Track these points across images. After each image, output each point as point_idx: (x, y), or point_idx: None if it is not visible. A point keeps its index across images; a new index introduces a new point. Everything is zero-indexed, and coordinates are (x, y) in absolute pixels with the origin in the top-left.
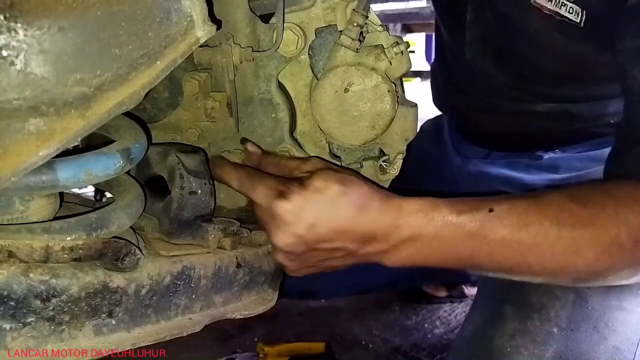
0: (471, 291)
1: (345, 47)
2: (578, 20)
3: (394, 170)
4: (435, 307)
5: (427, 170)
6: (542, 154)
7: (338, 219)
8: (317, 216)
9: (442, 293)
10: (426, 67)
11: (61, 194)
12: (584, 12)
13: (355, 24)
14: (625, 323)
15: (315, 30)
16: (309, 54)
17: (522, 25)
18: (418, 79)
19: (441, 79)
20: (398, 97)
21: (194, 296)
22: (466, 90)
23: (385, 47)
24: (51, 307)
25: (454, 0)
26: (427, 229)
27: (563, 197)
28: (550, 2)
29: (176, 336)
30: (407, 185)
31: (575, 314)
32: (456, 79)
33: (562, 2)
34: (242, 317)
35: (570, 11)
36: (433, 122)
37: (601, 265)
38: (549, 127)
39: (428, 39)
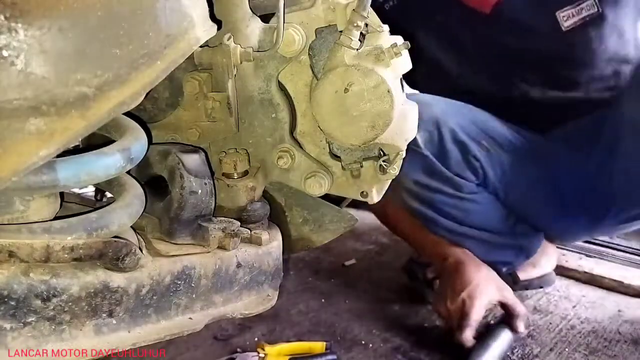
0: None
1: (345, 47)
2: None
3: (394, 170)
4: None
5: None
6: None
7: None
8: None
9: None
10: None
11: (61, 194)
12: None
13: (355, 24)
14: None
15: (316, 30)
16: (309, 54)
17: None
18: None
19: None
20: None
21: (194, 296)
22: None
23: (385, 47)
24: (52, 307)
25: None
26: None
27: None
28: (573, 18)
29: (176, 336)
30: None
31: None
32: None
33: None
34: (242, 317)
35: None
36: None
37: None
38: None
39: None
